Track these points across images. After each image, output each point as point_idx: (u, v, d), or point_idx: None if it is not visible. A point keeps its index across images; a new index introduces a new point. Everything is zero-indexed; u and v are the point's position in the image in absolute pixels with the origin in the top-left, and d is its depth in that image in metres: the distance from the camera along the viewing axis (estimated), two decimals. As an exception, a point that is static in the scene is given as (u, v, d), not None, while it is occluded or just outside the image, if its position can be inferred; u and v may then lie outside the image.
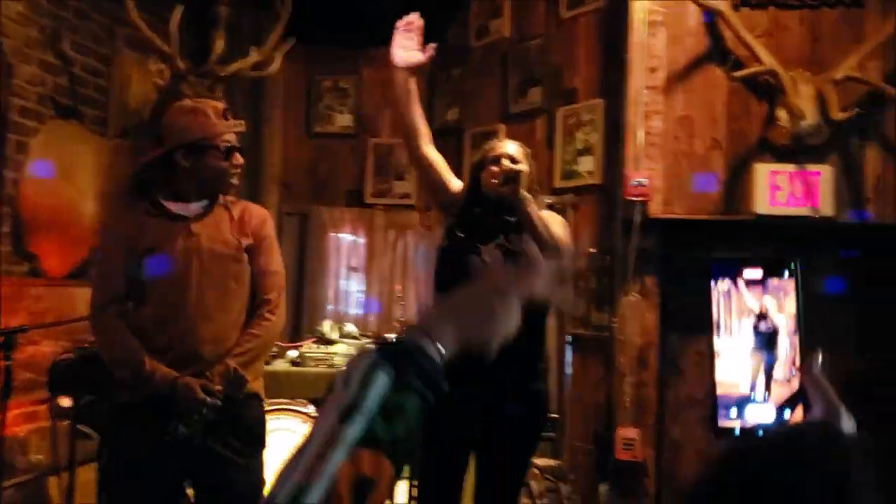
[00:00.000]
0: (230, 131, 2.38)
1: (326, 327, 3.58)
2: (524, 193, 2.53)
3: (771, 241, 4.05)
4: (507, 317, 0.95)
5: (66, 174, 4.16)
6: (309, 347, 3.45)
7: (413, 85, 2.50)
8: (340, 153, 5.96)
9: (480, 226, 2.63)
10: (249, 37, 5.26)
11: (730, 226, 3.97)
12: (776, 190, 3.83)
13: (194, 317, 2.30)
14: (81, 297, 4.19)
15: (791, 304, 0.74)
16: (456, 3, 5.71)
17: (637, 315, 4.01)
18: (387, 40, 5.55)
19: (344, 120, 5.99)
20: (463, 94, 5.61)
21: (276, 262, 2.50)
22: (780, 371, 0.71)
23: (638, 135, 4.00)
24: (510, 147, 2.67)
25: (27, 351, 3.86)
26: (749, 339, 0.73)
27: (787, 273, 0.77)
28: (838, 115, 3.63)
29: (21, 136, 3.94)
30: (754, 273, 0.78)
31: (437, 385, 0.83)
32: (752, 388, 0.72)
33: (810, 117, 3.67)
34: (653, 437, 4.01)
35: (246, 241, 2.41)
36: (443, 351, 0.85)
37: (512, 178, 2.54)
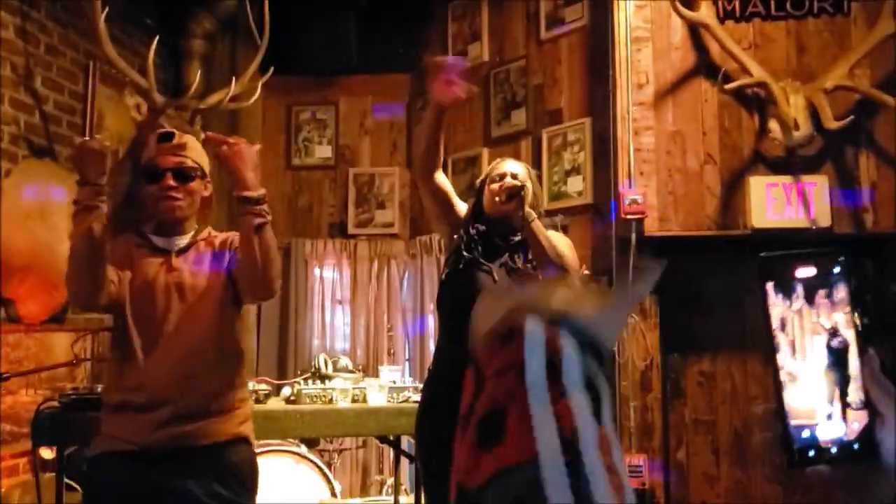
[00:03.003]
0: (163, 154, 2.25)
1: (321, 362, 3.44)
2: (528, 210, 2.44)
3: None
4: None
5: (41, 215, 4.01)
6: (304, 384, 3.31)
7: (445, 118, 2.43)
8: (321, 184, 5.86)
9: (485, 245, 2.53)
10: (224, 69, 5.17)
11: (727, 241, 3.90)
12: (772, 202, 3.78)
13: (171, 356, 2.16)
14: (61, 344, 4.05)
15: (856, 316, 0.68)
16: (431, 29, 5.68)
17: (637, 337, 3.92)
18: (360, 68, 5.50)
19: (323, 151, 5.90)
20: (443, 120, 5.54)
21: None
22: (854, 394, 0.64)
23: (629, 151, 3.94)
24: (513, 166, 2.59)
25: (6, 401, 3.70)
26: (819, 360, 0.67)
27: (838, 268, 0.72)
28: (832, 124, 3.60)
29: (-7, 177, 3.79)
30: (807, 271, 0.72)
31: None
32: (829, 416, 0.66)
33: (803, 127, 3.63)
34: (660, 463, 3.91)
35: (229, 259, 2.27)
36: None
37: (514, 193, 2.44)
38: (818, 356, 0.72)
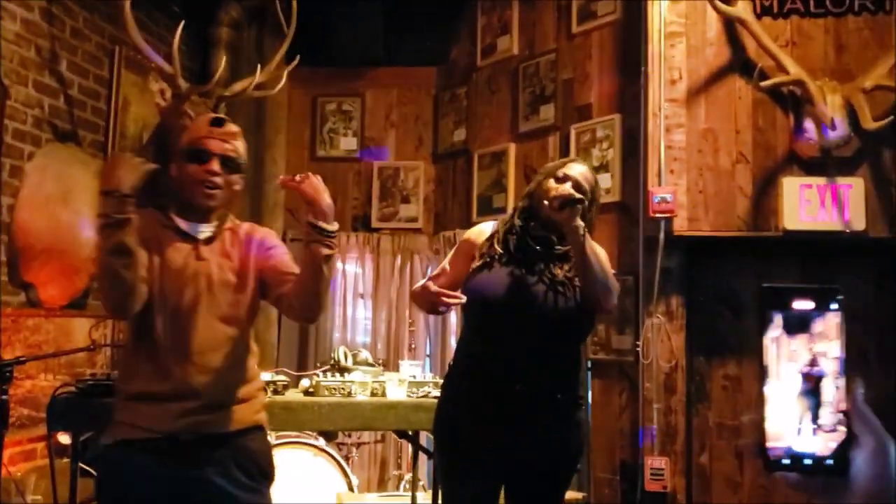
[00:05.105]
0: (214, 137, 2.18)
1: (341, 354, 3.40)
2: (579, 223, 2.31)
3: (799, 258, 3.91)
4: None
5: (64, 199, 4.00)
6: (323, 376, 3.27)
7: None
8: (345, 177, 5.81)
9: (524, 247, 2.43)
10: (250, 58, 5.13)
11: (757, 242, 3.81)
12: (806, 204, 3.69)
13: (198, 348, 2.11)
14: (81, 328, 4.04)
15: (835, 349, 0.64)
16: (460, 22, 5.61)
17: (663, 338, 3.84)
18: (388, 61, 5.44)
19: (348, 143, 5.85)
20: (469, 114, 5.49)
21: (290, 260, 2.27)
22: (825, 418, 0.62)
23: (660, 149, 3.85)
24: (580, 171, 2.43)
25: (24, 385, 3.69)
26: (797, 386, 0.64)
27: (834, 304, 0.68)
28: (870, 125, 3.50)
29: (16, 160, 3.78)
30: (805, 304, 0.68)
31: None
32: (798, 436, 0.63)
33: (840, 128, 3.54)
34: (682, 466, 3.83)
35: (255, 254, 2.23)
36: None
37: (570, 203, 2.32)
38: (793, 380, 0.69)
